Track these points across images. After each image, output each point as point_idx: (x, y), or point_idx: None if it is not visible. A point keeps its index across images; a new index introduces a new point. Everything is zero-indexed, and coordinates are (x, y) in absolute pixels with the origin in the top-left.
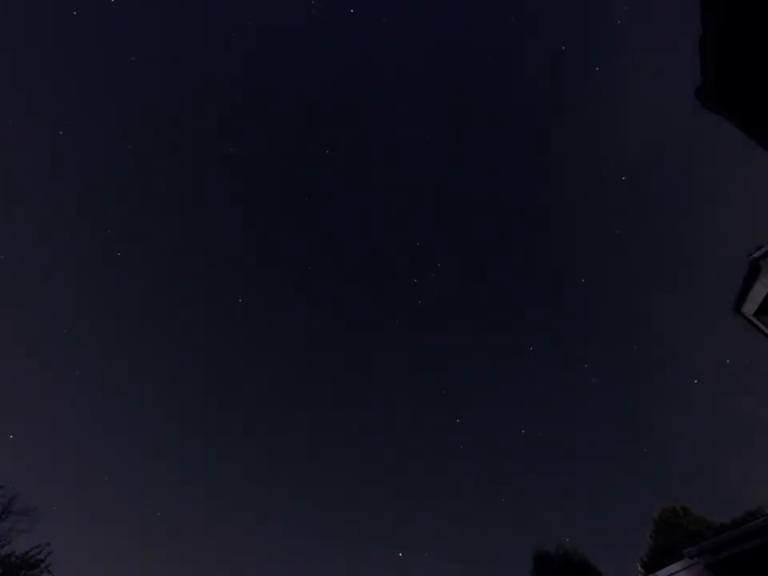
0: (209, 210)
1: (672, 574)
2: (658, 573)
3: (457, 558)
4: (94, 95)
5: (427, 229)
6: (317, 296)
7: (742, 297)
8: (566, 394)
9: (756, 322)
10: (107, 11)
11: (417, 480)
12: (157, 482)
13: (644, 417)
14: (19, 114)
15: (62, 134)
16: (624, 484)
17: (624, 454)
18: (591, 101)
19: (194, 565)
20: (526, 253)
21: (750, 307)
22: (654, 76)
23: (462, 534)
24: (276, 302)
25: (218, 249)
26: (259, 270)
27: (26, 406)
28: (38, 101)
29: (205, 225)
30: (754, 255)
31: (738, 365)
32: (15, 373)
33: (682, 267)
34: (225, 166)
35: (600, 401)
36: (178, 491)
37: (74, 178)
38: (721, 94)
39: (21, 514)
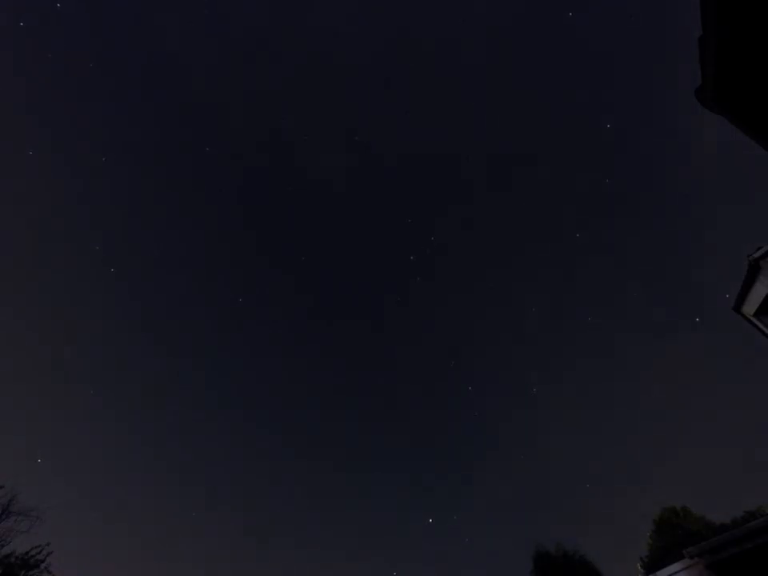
0: (200, 210)
1: (672, 574)
2: (658, 573)
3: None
4: (63, 109)
5: (417, 205)
6: (316, 283)
7: (741, 297)
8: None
9: (756, 322)
10: (55, 17)
11: (441, 450)
12: (157, 482)
13: (646, 415)
14: None
15: (32, 153)
16: (623, 483)
17: (625, 453)
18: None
19: (195, 565)
20: (521, 216)
21: (750, 307)
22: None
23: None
24: (275, 293)
25: (211, 248)
26: (256, 263)
27: (26, 407)
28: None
29: (197, 225)
30: (754, 255)
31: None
32: (15, 377)
33: (684, 267)
34: (206, 165)
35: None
36: (178, 491)
37: (50, 196)
38: (721, 94)
39: (20, 514)
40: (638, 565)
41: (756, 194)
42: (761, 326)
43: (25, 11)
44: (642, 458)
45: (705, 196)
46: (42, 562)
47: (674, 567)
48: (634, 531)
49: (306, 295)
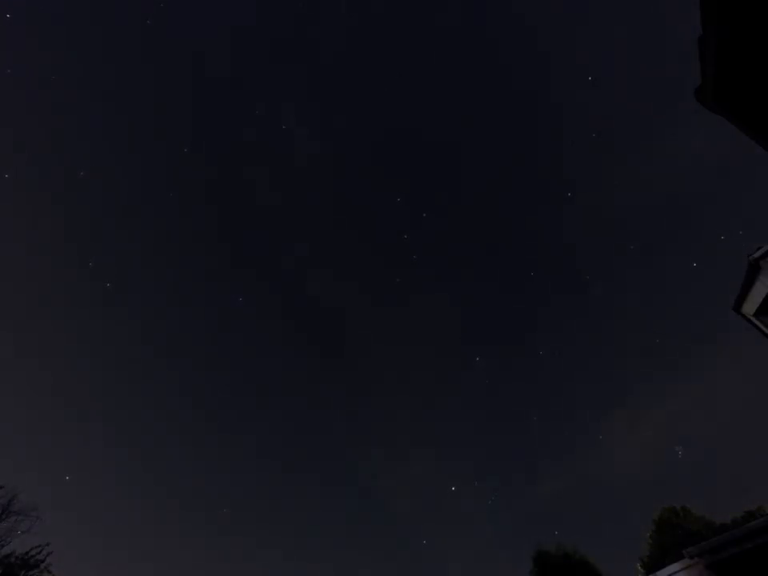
0: (191, 211)
1: (672, 573)
2: (658, 573)
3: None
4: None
5: (405, 182)
6: (313, 275)
7: (741, 297)
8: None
9: (756, 322)
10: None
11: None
12: (157, 481)
13: (646, 414)
14: None
15: (7, 177)
16: (624, 483)
17: (624, 453)
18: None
19: (196, 565)
20: (511, 180)
21: (749, 307)
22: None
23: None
24: (274, 288)
25: (206, 248)
26: (253, 261)
27: (28, 407)
28: None
29: (190, 226)
30: (754, 255)
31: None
32: (17, 377)
33: (683, 267)
34: (188, 166)
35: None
36: (179, 491)
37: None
38: (721, 94)
39: (21, 513)
40: (638, 565)
41: (756, 193)
42: (761, 326)
43: None
44: (643, 457)
45: (704, 195)
46: (42, 561)
47: (674, 567)
48: (634, 531)
49: (305, 287)
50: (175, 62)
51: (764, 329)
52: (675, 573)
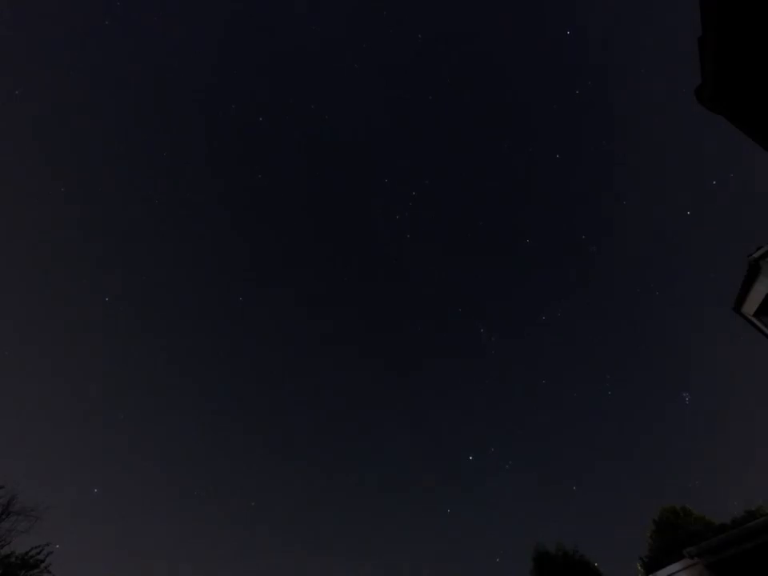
0: (193, 212)
1: (672, 573)
2: (658, 573)
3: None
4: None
5: (390, 164)
6: (311, 268)
7: (741, 297)
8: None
9: (756, 322)
10: None
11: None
12: (156, 482)
13: (645, 414)
14: None
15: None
16: (624, 483)
17: (624, 453)
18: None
19: (196, 565)
20: (500, 141)
21: (749, 307)
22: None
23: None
24: (273, 283)
25: (207, 246)
26: (249, 258)
27: (28, 407)
28: None
29: (185, 226)
30: (754, 255)
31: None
32: (18, 376)
33: (683, 266)
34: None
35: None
36: (179, 491)
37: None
38: (721, 94)
39: (20, 514)
40: (638, 565)
41: (755, 193)
42: (761, 326)
43: None
44: (644, 458)
45: (702, 195)
46: (42, 561)
47: (674, 567)
48: (634, 531)
49: (304, 280)
50: (170, 62)
51: (764, 329)
52: (675, 573)
